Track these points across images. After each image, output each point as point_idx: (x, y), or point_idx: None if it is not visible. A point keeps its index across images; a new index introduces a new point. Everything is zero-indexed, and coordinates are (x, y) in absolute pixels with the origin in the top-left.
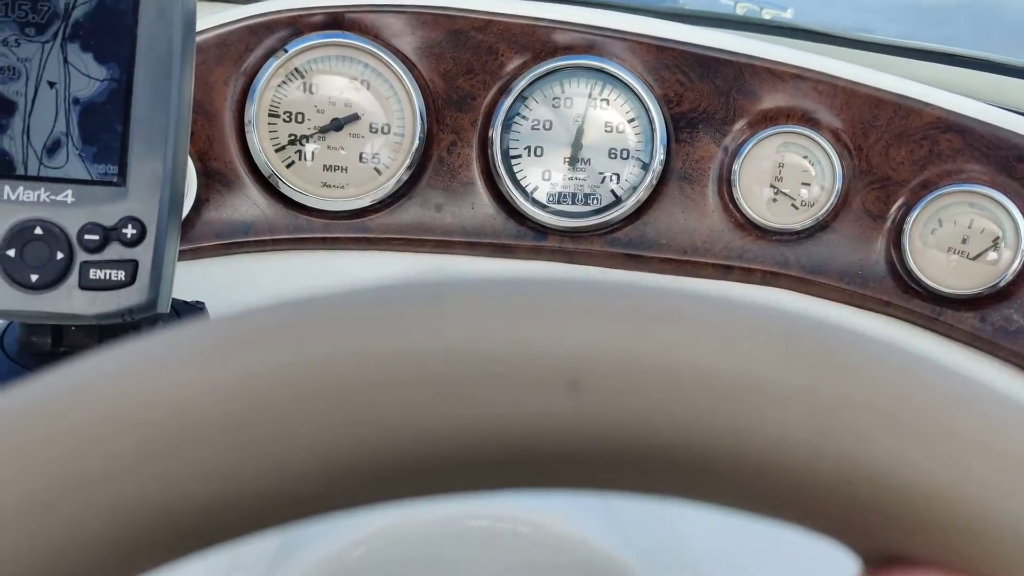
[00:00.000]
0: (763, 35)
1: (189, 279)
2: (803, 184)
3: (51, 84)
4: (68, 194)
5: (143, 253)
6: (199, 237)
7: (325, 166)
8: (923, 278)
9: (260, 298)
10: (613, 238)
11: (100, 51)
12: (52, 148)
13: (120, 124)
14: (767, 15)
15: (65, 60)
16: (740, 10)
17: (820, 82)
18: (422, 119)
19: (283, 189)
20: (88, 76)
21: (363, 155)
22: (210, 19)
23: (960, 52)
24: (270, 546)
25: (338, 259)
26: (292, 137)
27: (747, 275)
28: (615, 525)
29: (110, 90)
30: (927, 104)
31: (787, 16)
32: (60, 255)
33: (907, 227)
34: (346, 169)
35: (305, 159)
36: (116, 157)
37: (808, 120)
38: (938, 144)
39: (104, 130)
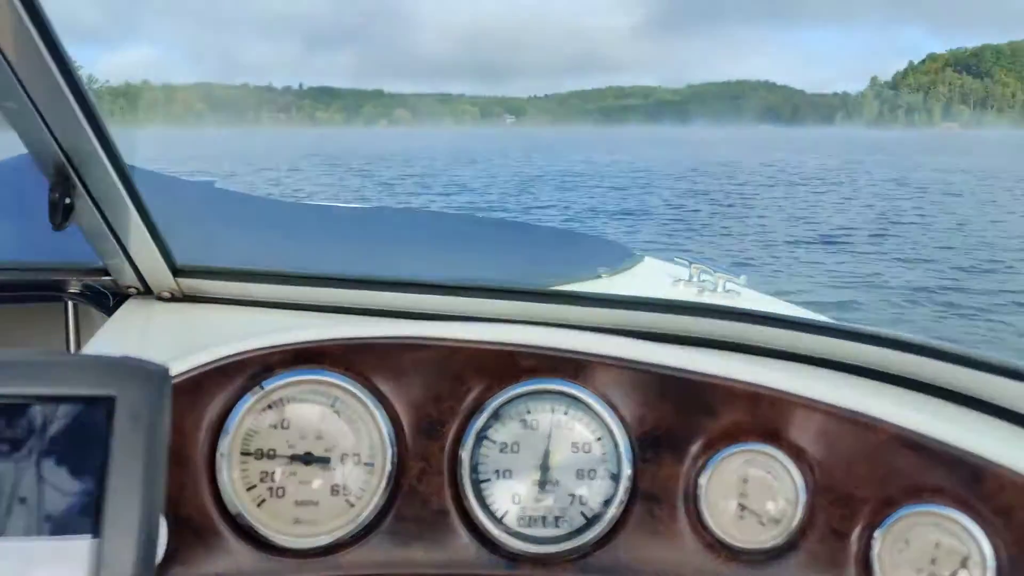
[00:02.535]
0: (717, 319)
1: None
2: (768, 500)
3: (22, 500)
4: None
5: None
6: None
7: (297, 501)
8: None
9: None
10: (585, 563)
11: (74, 466)
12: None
13: (92, 535)
14: (720, 280)
15: (40, 477)
16: (694, 272)
17: (777, 399)
18: (392, 448)
19: (255, 530)
20: (62, 492)
21: (335, 487)
22: (181, 363)
23: (908, 339)
24: None
25: None
26: (263, 474)
27: None
28: None
29: (83, 504)
30: (883, 421)
31: (740, 283)
32: None
33: (875, 545)
34: (318, 503)
35: (276, 495)
36: (86, 569)
37: (768, 436)
38: (896, 461)
39: (74, 544)
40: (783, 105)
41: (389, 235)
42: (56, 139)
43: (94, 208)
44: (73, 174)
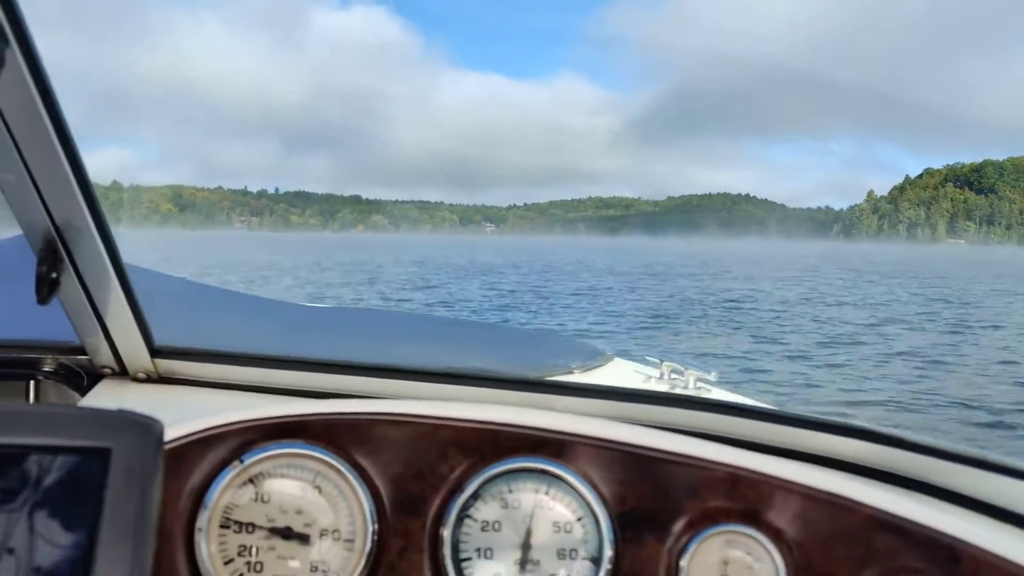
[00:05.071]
0: (694, 410)
1: None
2: None
3: (10, 551)
4: None
5: None
6: None
7: None
8: None
9: None
10: None
11: (67, 518)
12: None
13: None
14: (691, 376)
15: (31, 529)
16: (665, 369)
17: (756, 482)
18: (373, 524)
19: None
20: (52, 544)
21: (314, 564)
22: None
23: (872, 428)
24: None
25: None
26: (242, 548)
27: None
28: None
29: (73, 557)
30: (859, 503)
31: (711, 379)
32: None
33: None
34: None
35: (255, 570)
36: None
37: (748, 518)
38: (874, 542)
39: None
40: (767, 218)
41: (366, 332)
42: (49, 213)
43: (79, 284)
44: (62, 248)
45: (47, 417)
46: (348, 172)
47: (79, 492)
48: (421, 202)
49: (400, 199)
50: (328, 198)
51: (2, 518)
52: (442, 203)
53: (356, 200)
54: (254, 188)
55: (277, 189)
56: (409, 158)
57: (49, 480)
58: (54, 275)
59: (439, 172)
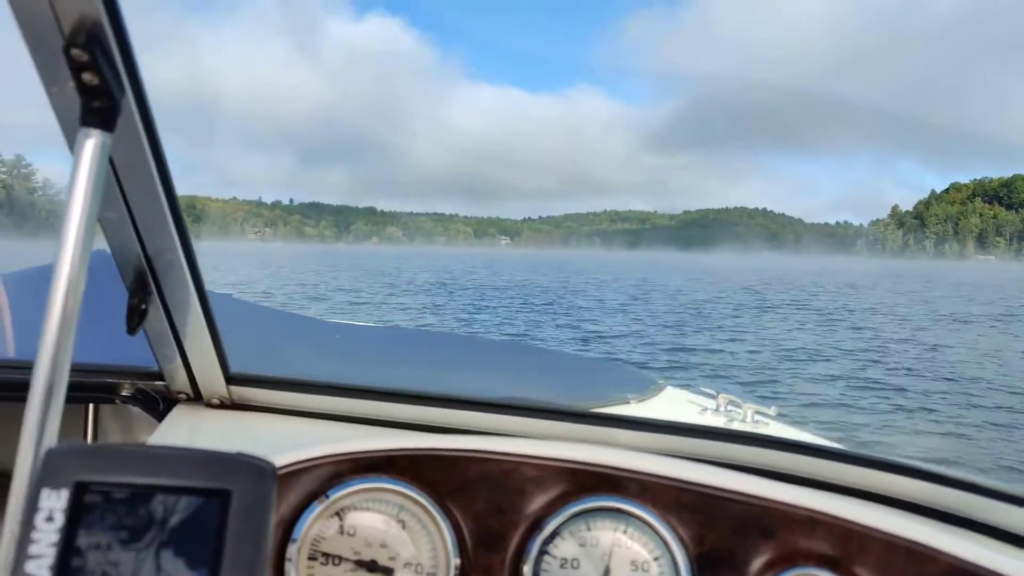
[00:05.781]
0: (762, 448)
1: None
2: None
3: None
4: None
5: None
6: None
7: None
8: None
9: None
10: None
11: (190, 557)
12: None
13: None
14: (749, 410)
15: (158, 567)
16: (722, 401)
17: (836, 526)
18: (455, 558)
19: None
20: None
21: None
22: None
23: (939, 471)
24: None
25: None
26: None
27: None
28: None
29: None
30: (939, 551)
31: (771, 413)
32: None
33: None
34: None
35: None
36: None
37: (826, 562)
38: None
39: None
40: (784, 232)
41: (423, 356)
42: (144, 247)
43: (164, 314)
44: (152, 281)
45: (169, 458)
46: (363, 183)
47: (200, 532)
48: (436, 214)
49: (415, 211)
50: (343, 209)
51: (131, 556)
52: (456, 215)
53: (371, 212)
54: (268, 199)
55: (291, 200)
56: (424, 170)
57: (173, 520)
58: (143, 307)
59: (454, 184)
